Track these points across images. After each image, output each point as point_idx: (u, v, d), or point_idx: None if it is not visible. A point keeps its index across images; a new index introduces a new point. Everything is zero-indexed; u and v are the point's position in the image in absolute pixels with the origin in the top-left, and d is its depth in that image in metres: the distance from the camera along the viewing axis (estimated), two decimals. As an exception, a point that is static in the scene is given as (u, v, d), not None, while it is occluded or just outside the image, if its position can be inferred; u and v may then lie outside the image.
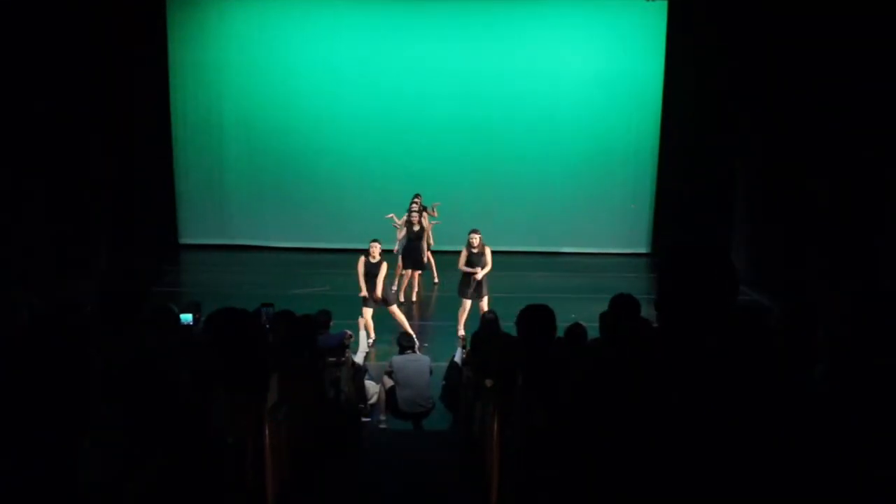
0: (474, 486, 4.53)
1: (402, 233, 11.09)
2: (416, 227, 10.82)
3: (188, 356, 2.71)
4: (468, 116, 14.98)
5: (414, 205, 11.13)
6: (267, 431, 3.70)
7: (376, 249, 9.07)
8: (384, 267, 9.00)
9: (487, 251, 9.23)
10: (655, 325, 1.82)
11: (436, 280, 12.06)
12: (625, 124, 15.16)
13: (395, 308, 9.24)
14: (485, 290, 9.26)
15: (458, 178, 14.93)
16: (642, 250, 15.43)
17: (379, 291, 8.94)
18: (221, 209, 15.40)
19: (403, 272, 11.18)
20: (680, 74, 14.34)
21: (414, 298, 11.38)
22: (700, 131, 13.91)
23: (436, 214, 12.05)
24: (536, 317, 4.23)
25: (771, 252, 11.62)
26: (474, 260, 9.18)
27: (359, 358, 7.00)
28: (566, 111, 15.02)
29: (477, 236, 9.18)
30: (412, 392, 6.54)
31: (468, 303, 9.27)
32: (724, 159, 13.62)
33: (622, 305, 3.77)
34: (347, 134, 15.09)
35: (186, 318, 4.65)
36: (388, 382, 6.85)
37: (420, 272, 11.30)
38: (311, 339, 5.65)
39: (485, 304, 9.09)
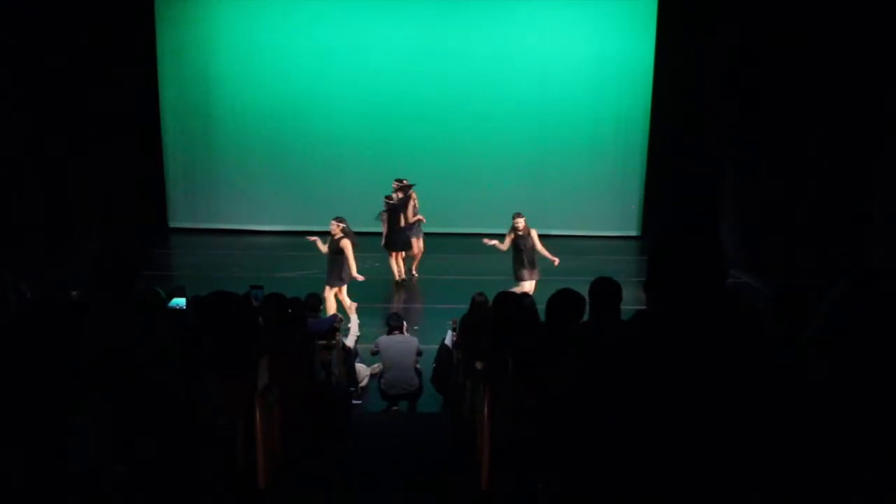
0: (465, 468, 4.56)
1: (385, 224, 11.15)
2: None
3: (178, 339, 2.70)
4: (458, 98, 14.93)
5: (396, 185, 11.23)
6: (258, 413, 3.71)
7: (334, 227, 8.85)
8: (344, 244, 8.72)
9: (534, 232, 9.39)
10: (644, 308, 1.83)
11: (414, 271, 12.00)
12: (615, 106, 15.15)
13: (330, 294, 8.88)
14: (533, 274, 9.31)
15: (448, 160, 14.91)
16: (632, 233, 15.47)
17: (348, 271, 8.70)
18: (211, 192, 15.31)
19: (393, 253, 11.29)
20: (671, 56, 14.32)
21: (397, 278, 11.41)
22: (691, 113, 13.91)
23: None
24: (503, 305, 4.29)
25: (762, 234, 11.68)
26: (521, 243, 9.33)
27: (349, 341, 7.01)
28: (556, 93, 14.99)
29: (522, 220, 9.35)
30: (394, 373, 6.57)
31: (526, 284, 9.28)
32: (715, 141, 13.64)
33: (602, 289, 3.76)
34: (337, 116, 15.01)
35: (179, 301, 4.63)
36: (379, 368, 6.89)
37: (403, 252, 11.36)
38: (302, 322, 5.64)
39: (529, 286, 9.08)
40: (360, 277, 8.83)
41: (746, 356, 1.65)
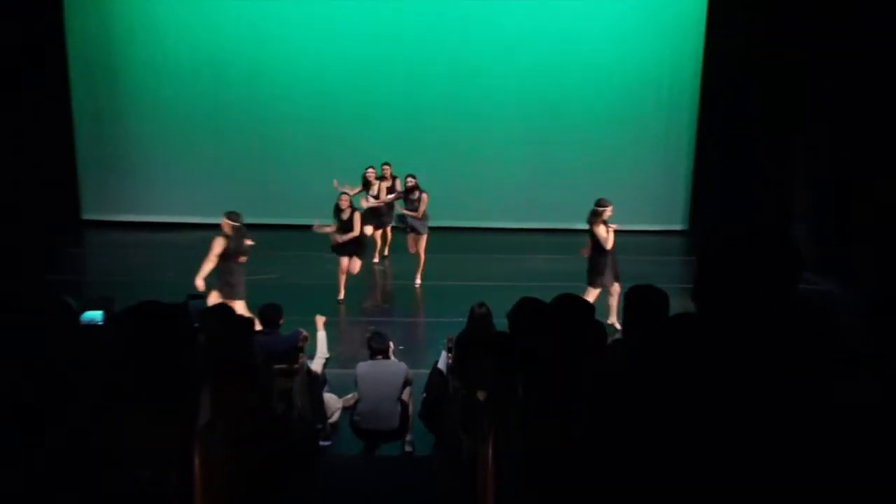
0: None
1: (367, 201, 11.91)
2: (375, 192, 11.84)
3: (93, 365, 2.68)
4: (464, 64, 14.93)
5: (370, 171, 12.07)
6: (197, 459, 3.69)
7: (223, 223, 8.75)
8: (214, 243, 8.66)
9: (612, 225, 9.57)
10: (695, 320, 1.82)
11: (376, 260, 12.40)
12: (659, 75, 15.19)
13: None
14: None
15: (448, 139, 14.91)
16: (677, 227, 15.52)
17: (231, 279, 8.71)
18: (135, 177, 15.25)
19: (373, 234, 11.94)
20: (725, 20, 14.31)
21: (385, 253, 12.33)
22: (749, 83, 13.90)
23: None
24: (530, 313, 4.27)
25: (845, 230, 11.68)
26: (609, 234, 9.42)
27: (316, 365, 7.00)
28: (585, 56, 14.99)
29: (611, 207, 9.45)
30: (369, 405, 6.57)
31: (597, 292, 9.46)
32: (779, 117, 13.60)
33: (640, 301, 3.77)
34: (296, 83, 14.98)
35: (93, 315, 4.60)
36: (353, 398, 6.90)
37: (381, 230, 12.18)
38: (254, 341, 5.63)
39: (617, 289, 9.35)
40: (200, 285, 8.59)
41: (822, 385, 1.64)
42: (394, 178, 12.19)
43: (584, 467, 1.89)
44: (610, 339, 4.97)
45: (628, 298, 3.98)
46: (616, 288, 9.46)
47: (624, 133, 15.26)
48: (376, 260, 12.50)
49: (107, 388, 2.74)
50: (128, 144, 15.22)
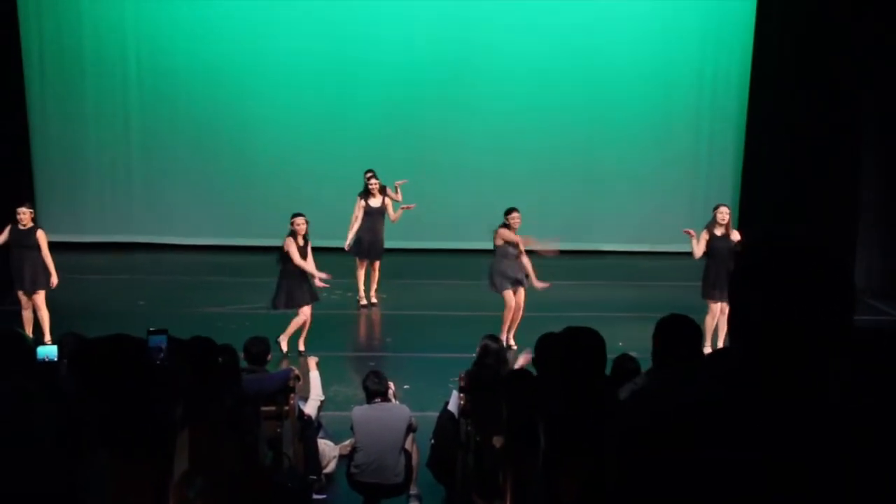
0: None
1: (356, 223, 11.66)
2: (377, 204, 11.63)
3: (52, 407, 2.68)
4: (467, 59, 14.92)
5: (371, 180, 11.79)
6: (172, 516, 3.68)
7: (25, 215, 9.86)
8: (41, 236, 9.95)
9: (736, 235, 9.67)
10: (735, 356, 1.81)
11: (363, 302, 12.09)
12: (696, 67, 15.15)
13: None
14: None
15: (451, 147, 14.90)
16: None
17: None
18: (92, 192, 15.18)
19: (360, 263, 11.80)
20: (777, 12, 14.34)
21: (374, 300, 11.92)
22: (809, 76, 13.80)
23: (399, 198, 12.14)
24: (563, 347, 4.26)
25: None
26: (717, 245, 9.51)
27: (310, 408, 7.00)
28: (613, 52, 14.97)
29: (725, 210, 9.62)
30: (368, 455, 6.53)
31: (717, 307, 9.61)
32: (847, 118, 13.46)
33: (671, 331, 3.77)
34: (277, 85, 14.92)
35: (48, 351, 4.60)
36: (350, 445, 6.89)
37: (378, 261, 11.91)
38: (238, 379, 5.63)
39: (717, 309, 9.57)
40: (56, 281, 9.88)
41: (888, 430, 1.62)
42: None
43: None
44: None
45: (659, 330, 3.98)
46: (712, 306, 9.60)
47: (659, 144, 15.17)
48: (364, 302, 11.95)
49: (69, 432, 2.74)
50: (89, 153, 15.12)
